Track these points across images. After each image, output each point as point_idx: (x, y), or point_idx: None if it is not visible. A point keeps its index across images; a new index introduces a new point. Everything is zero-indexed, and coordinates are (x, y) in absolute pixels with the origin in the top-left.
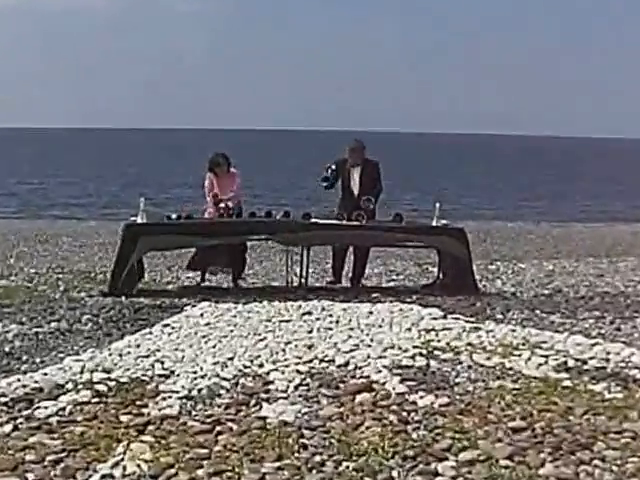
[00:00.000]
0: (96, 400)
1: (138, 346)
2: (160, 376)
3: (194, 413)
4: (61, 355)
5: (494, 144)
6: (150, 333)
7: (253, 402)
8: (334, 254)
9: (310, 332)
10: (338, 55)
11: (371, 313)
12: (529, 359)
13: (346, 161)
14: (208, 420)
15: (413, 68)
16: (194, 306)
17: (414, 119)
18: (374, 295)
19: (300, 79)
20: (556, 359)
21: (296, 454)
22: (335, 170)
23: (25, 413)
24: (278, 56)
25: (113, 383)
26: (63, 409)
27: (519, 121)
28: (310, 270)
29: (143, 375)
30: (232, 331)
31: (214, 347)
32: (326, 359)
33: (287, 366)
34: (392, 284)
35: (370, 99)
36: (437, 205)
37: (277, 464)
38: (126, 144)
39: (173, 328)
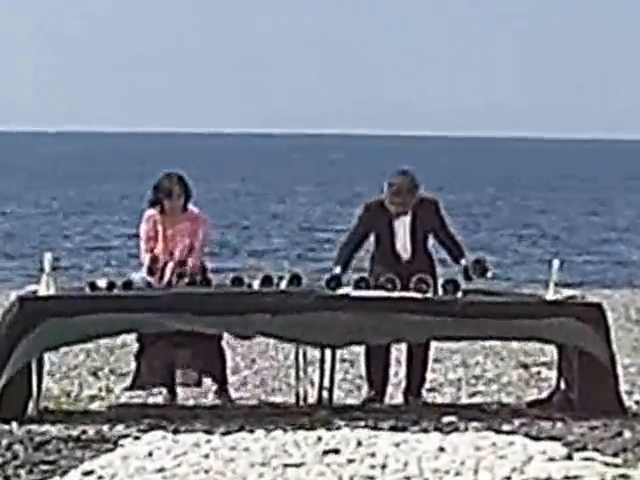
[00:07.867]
0: None
1: None
2: None
3: None
4: None
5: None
6: None
7: None
8: (368, 350)
9: None
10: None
11: (442, 451)
12: None
13: (382, 206)
14: None
15: None
16: (137, 439)
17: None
18: (447, 419)
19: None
20: None
21: None
22: (358, 225)
23: None
24: None
25: None
26: None
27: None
28: (338, 376)
29: None
30: None
31: None
32: None
33: None
34: (478, 399)
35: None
36: (554, 264)
37: None
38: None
39: (100, 478)
